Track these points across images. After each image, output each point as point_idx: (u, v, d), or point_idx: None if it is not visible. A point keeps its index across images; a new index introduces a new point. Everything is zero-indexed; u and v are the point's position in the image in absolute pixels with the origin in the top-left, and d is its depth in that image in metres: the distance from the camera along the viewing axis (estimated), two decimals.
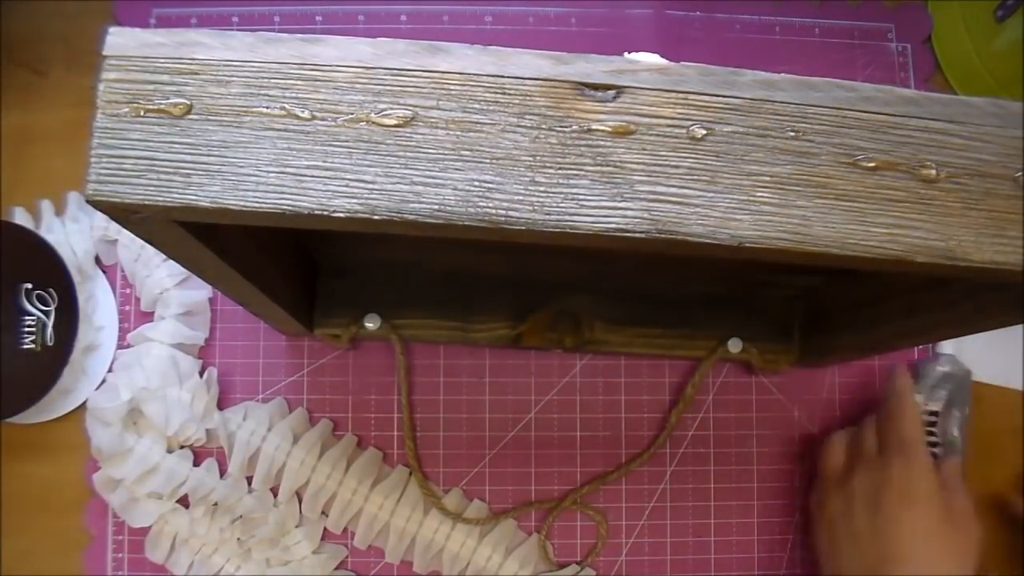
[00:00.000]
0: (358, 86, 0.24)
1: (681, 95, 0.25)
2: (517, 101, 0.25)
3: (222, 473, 0.51)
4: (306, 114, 0.24)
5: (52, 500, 0.53)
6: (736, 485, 0.55)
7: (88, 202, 0.24)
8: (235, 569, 0.50)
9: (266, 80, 0.24)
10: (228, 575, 0.50)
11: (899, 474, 0.46)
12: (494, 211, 0.24)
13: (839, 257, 0.25)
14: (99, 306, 0.53)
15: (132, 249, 0.52)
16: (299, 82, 0.24)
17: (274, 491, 0.51)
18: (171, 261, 0.50)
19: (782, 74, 0.26)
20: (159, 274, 0.52)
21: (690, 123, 0.25)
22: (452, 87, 0.25)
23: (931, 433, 0.53)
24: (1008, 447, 0.56)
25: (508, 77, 0.25)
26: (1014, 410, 0.57)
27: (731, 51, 0.58)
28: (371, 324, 0.50)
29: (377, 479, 0.52)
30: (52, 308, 0.51)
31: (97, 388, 0.52)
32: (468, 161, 0.24)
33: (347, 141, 0.24)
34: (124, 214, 0.24)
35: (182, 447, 0.51)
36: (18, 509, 0.53)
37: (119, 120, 0.24)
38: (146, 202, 0.24)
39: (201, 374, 0.52)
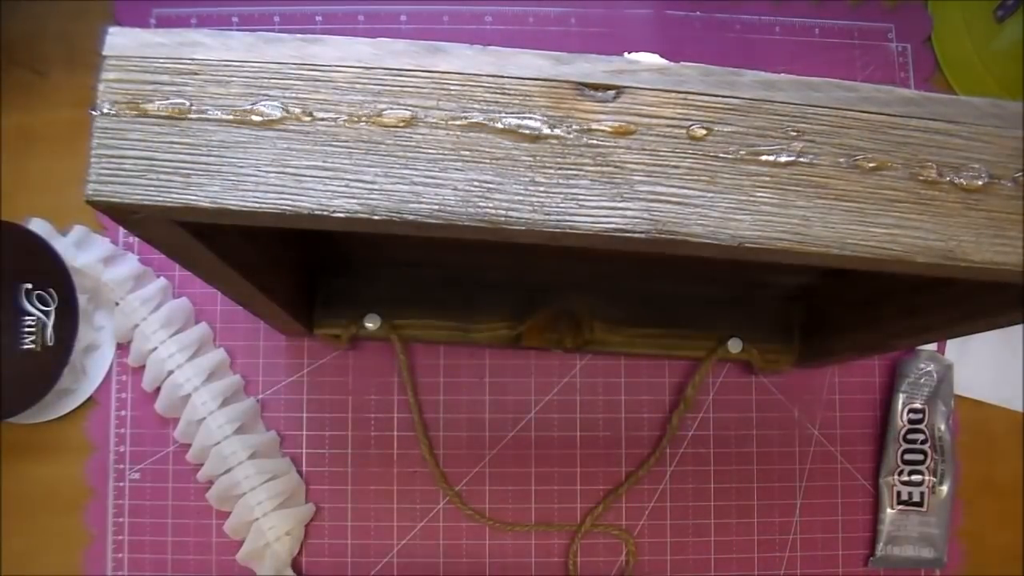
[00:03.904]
0: (358, 86, 0.24)
1: (681, 95, 0.25)
2: (517, 101, 0.25)
3: None
4: (306, 114, 0.24)
5: (52, 500, 0.53)
6: (736, 485, 0.55)
7: (88, 202, 0.24)
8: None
9: (266, 80, 0.24)
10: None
11: None
12: (494, 211, 0.24)
13: (838, 257, 0.25)
14: (99, 306, 0.53)
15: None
16: (299, 82, 0.24)
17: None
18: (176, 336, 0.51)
19: (782, 74, 0.26)
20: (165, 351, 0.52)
21: (690, 123, 0.25)
22: (452, 87, 0.25)
23: (918, 430, 0.54)
24: (1008, 447, 0.56)
25: (508, 77, 0.25)
26: (1014, 412, 0.57)
27: (731, 51, 0.58)
28: (371, 324, 0.50)
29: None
30: (52, 308, 0.51)
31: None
32: (468, 161, 0.24)
33: (347, 141, 0.24)
34: (124, 214, 0.25)
35: None
36: (18, 509, 0.53)
37: (119, 120, 0.24)
38: (146, 202, 0.24)
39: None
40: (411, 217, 0.24)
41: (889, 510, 0.54)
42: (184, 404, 0.51)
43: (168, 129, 0.24)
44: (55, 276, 0.51)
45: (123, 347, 0.53)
